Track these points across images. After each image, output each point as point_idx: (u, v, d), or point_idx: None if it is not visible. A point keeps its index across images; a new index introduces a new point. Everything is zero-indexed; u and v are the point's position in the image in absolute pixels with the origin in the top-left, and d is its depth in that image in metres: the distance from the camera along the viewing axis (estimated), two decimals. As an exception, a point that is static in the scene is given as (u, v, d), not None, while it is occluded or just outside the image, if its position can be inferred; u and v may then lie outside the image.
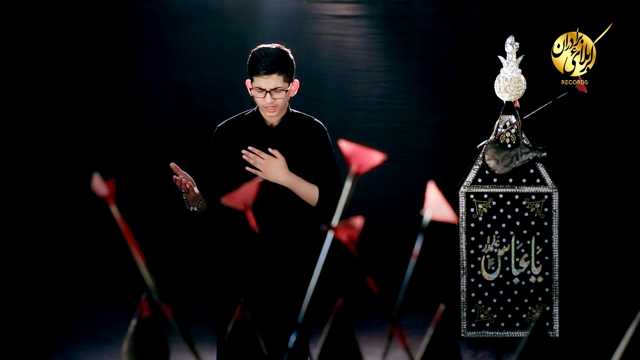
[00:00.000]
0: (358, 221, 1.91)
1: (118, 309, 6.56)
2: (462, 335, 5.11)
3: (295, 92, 3.98)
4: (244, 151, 3.91)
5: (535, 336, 2.03)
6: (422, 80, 7.25)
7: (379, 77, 7.27)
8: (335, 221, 1.96)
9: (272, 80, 3.81)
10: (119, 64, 7.08)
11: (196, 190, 3.86)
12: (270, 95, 3.83)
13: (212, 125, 7.22)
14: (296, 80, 3.95)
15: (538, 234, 5.09)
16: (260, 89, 3.85)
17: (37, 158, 6.97)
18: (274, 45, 3.91)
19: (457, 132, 7.14)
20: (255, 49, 3.93)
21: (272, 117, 3.95)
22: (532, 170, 5.12)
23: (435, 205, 1.91)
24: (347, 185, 1.97)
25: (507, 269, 5.10)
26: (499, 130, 5.08)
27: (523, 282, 5.11)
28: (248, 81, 3.96)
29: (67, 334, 6.15)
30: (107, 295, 6.77)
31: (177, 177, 3.77)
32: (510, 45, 5.10)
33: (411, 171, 7.16)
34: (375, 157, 2.01)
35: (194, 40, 7.20)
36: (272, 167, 3.88)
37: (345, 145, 1.96)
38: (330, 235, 2.01)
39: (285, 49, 3.92)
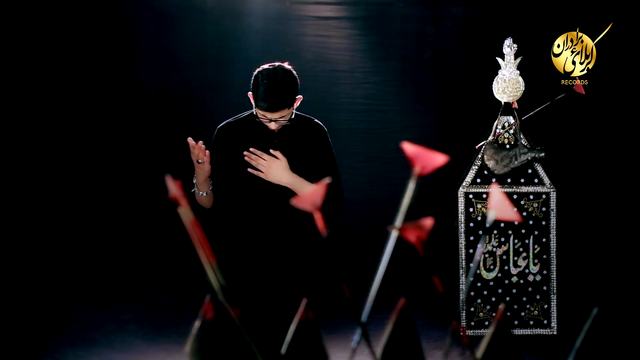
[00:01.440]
0: (428, 222, 1.93)
1: (107, 311, 6.51)
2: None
3: (298, 104, 3.96)
4: (246, 152, 3.90)
5: (590, 334, 2.07)
6: (405, 81, 7.28)
7: (362, 78, 7.29)
8: (399, 222, 1.98)
9: (276, 115, 3.80)
10: (103, 64, 7.03)
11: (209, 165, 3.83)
12: (275, 122, 3.83)
13: (196, 126, 7.25)
14: (299, 97, 3.91)
15: (536, 233, 5.16)
16: (264, 116, 3.82)
17: (22, 160, 6.90)
18: (276, 67, 3.79)
19: (441, 133, 7.19)
20: (259, 73, 3.78)
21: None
22: (530, 171, 5.19)
23: (499, 206, 1.93)
24: (410, 186, 1.99)
25: (506, 267, 5.16)
26: (498, 130, 5.14)
27: (521, 281, 5.17)
28: (251, 94, 3.89)
29: (55, 336, 6.09)
30: (97, 297, 6.72)
31: (196, 144, 3.72)
32: (508, 47, 5.17)
33: (395, 172, 7.19)
34: (438, 159, 2.03)
35: (177, 41, 7.17)
36: (274, 168, 3.88)
37: (409, 147, 1.98)
38: (394, 235, 2.02)
39: (290, 75, 3.79)
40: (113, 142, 7.09)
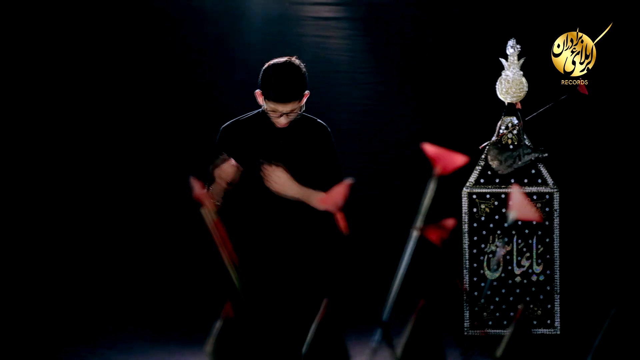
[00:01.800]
0: (450, 222, 1.94)
1: (107, 311, 6.52)
2: (466, 333, 5.17)
3: (305, 100, 3.96)
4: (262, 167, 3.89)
5: (609, 332, 2.08)
6: (404, 81, 7.28)
7: (362, 78, 7.29)
8: (419, 222, 1.98)
9: (288, 106, 3.80)
10: (103, 64, 7.02)
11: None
12: (286, 116, 3.83)
13: (194, 127, 7.24)
14: (307, 92, 3.92)
15: (539, 233, 5.17)
16: (274, 110, 3.82)
17: (21, 161, 6.89)
18: (286, 60, 3.81)
19: (441, 133, 7.19)
20: (268, 67, 3.81)
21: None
22: (533, 171, 5.20)
23: (520, 206, 1.94)
24: (431, 187, 1.99)
25: (509, 267, 5.18)
26: (501, 131, 5.15)
27: (525, 281, 5.19)
28: (258, 92, 3.89)
29: (56, 337, 6.09)
30: (97, 297, 6.72)
31: (236, 164, 3.73)
32: (512, 48, 5.18)
33: (394, 172, 7.20)
34: (458, 159, 2.03)
35: (175, 42, 7.16)
36: (283, 180, 3.88)
37: (430, 148, 1.98)
38: (415, 236, 2.03)
39: (299, 68, 3.81)
40: (113, 144, 7.08)
